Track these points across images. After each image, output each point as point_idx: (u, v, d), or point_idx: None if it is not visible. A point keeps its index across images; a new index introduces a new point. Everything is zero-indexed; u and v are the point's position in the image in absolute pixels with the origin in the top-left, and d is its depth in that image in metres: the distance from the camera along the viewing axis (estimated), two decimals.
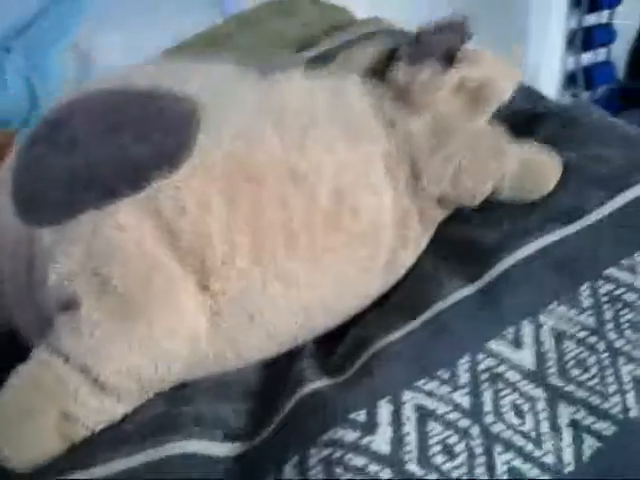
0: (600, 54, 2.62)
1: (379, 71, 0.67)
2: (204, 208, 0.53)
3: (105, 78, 0.62)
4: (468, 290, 0.59)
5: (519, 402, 0.52)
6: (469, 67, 0.64)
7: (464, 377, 0.53)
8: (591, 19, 2.57)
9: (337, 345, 0.59)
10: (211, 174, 0.54)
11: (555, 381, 0.53)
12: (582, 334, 0.56)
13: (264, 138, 0.57)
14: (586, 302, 0.58)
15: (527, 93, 0.82)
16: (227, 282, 0.53)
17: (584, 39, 2.51)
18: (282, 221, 0.55)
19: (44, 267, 0.52)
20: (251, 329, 0.56)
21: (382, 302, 0.62)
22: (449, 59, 0.64)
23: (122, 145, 0.54)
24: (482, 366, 0.54)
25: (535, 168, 0.65)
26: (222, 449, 0.51)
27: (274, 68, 0.64)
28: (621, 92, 2.59)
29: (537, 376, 0.54)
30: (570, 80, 2.47)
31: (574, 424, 0.51)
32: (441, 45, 0.65)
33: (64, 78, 0.84)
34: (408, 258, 0.63)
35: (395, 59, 0.66)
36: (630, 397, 0.53)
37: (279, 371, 0.57)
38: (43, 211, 0.54)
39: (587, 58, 2.61)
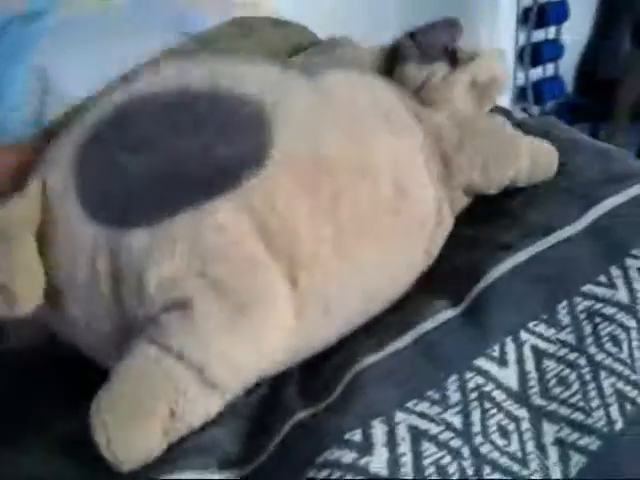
0: (549, 69, 2.68)
1: (382, 69, 0.71)
2: (291, 204, 0.54)
3: (153, 80, 0.61)
4: (452, 310, 0.59)
5: (504, 423, 0.52)
6: (477, 65, 0.69)
7: (454, 396, 0.52)
8: (539, 35, 2.63)
9: (322, 367, 0.58)
10: (293, 170, 0.55)
11: (538, 401, 0.53)
12: (562, 352, 0.56)
13: (329, 132, 0.59)
14: (565, 320, 0.58)
15: (494, 109, 0.83)
16: (313, 276, 0.55)
17: (533, 55, 2.57)
18: (354, 211, 0.57)
19: (138, 273, 0.51)
20: (324, 320, 0.57)
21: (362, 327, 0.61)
22: (451, 57, 0.69)
23: (206, 145, 0.54)
24: (471, 384, 0.53)
25: (543, 155, 0.70)
26: (220, 476, 0.49)
27: (314, 68, 0.67)
28: (570, 106, 2.65)
29: (521, 396, 0.53)
30: (520, 95, 2.51)
31: (559, 442, 0.51)
32: (439, 43, 0.69)
33: (23, 98, 0.82)
34: (439, 246, 0.65)
35: (401, 58, 0.69)
36: (614, 410, 0.53)
37: (266, 397, 0.56)
38: (131, 213, 0.53)
39: (536, 73, 2.67)
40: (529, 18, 2.49)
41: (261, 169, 0.54)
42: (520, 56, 2.50)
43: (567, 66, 2.73)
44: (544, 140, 0.71)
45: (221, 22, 1.06)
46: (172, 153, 0.54)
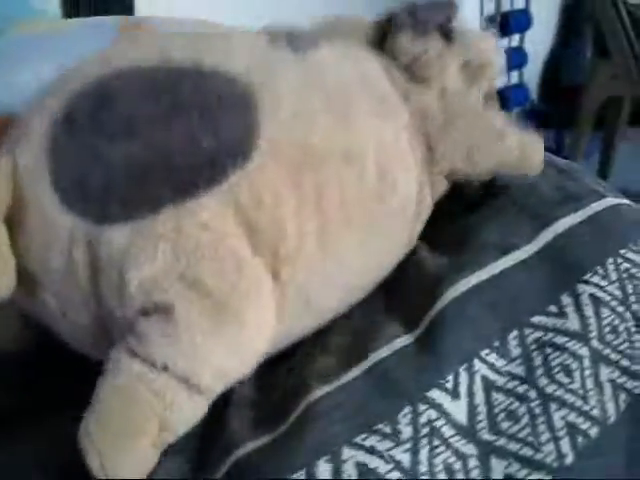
0: (513, 77, 2.69)
1: (375, 40, 0.68)
2: (277, 197, 0.52)
3: (133, 47, 0.59)
4: (407, 337, 0.57)
5: (451, 461, 0.49)
6: (472, 46, 0.67)
7: (406, 431, 0.50)
8: (503, 43, 2.63)
9: (277, 386, 0.56)
10: (279, 161, 0.53)
11: (486, 436, 0.51)
12: (511, 384, 0.54)
13: (317, 117, 0.56)
14: (515, 351, 0.56)
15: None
16: (295, 270, 0.53)
17: None
18: (339, 201, 0.55)
19: (118, 270, 0.49)
20: (305, 312, 0.56)
21: (316, 343, 0.59)
22: (445, 36, 0.66)
23: (190, 133, 0.51)
24: (423, 419, 0.51)
25: (527, 146, 0.68)
26: None
27: (303, 41, 0.63)
28: (534, 114, 2.66)
29: (469, 431, 0.51)
30: None
31: (508, 477, 0.49)
32: (434, 21, 0.67)
33: None
34: (419, 231, 0.64)
35: (395, 30, 0.66)
36: (564, 443, 0.51)
37: (214, 425, 0.53)
38: (110, 206, 0.49)
39: (501, 81, 2.67)
40: (492, 27, 2.50)
41: (248, 161, 0.52)
42: None
43: (531, 74, 2.74)
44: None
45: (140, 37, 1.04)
46: (154, 142, 0.51)
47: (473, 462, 0.50)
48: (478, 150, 0.65)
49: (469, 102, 0.68)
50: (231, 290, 0.50)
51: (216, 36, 0.64)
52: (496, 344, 0.56)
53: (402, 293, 0.61)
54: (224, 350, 0.49)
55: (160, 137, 0.51)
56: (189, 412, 0.50)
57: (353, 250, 0.57)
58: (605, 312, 0.59)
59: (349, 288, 0.59)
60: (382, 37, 0.69)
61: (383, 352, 0.55)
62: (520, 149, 0.67)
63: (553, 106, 2.59)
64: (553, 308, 0.59)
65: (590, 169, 2.48)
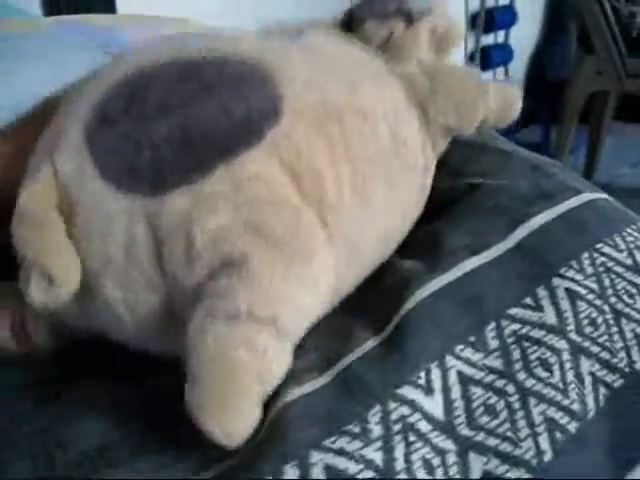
0: (499, 73, 2.69)
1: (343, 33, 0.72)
2: (313, 149, 0.56)
3: (149, 55, 0.61)
4: (374, 339, 0.56)
5: (429, 457, 0.49)
6: (434, 16, 0.71)
7: (376, 430, 0.49)
8: (488, 39, 2.63)
9: None
10: (306, 118, 0.57)
11: (464, 431, 0.51)
12: (489, 378, 0.54)
13: (328, 84, 0.60)
14: (492, 343, 0.55)
15: None
16: (339, 216, 0.56)
17: (482, 58, 2.57)
18: (363, 153, 0.59)
19: (184, 232, 0.51)
20: (352, 261, 0.59)
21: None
22: (406, 17, 0.70)
23: (222, 105, 0.55)
24: (394, 416, 0.50)
25: (508, 96, 0.72)
26: None
27: (291, 34, 0.68)
28: (521, 109, 2.66)
29: (447, 427, 0.51)
30: None
31: (487, 475, 0.49)
32: (391, 7, 0.71)
33: None
34: (428, 187, 0.67)
35: (359, 22, 0.71)
36: (543, 440, 0.51)
37: None
38: (164, 178, 0.52)
39: (486, 77, 2.67)
40: (477, 23, 2.50)
41: (279, 119, 0.55)
42: (470, 60, 2.50)
43: (517, 70, 2.74)
44: (462, 172, 0.73)
45: (152, 40, 1.03)
46: (192, 117, 0.54)
47: (452, 458, 0.49)
48: (466, 104, 0.69)
49: (446, 65, 0.72)
50: (294, 233, 0.52)
51: (220, 35, 0.69)
52: (472, 339, 0.56)
53: (372, 297, 0.61)
54: (300, 288, 0.52)
55: (195, 112, 0.55)
56: (281, 359, 0.51)
57: (380, 201, 0.60)
58: (582, 305, 0.59)
59: (382, 238, 0.62)
60: (349, 29, 0.72)
61: (352, 356, 0.55)
62: (501, 97, 0.71)
63: (539, 101, 2.58)
64: (529, 300, 0.58)
65: (577, 163, 2.49)
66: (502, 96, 0.72)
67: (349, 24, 0.72)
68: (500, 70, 2.70)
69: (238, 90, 0.57)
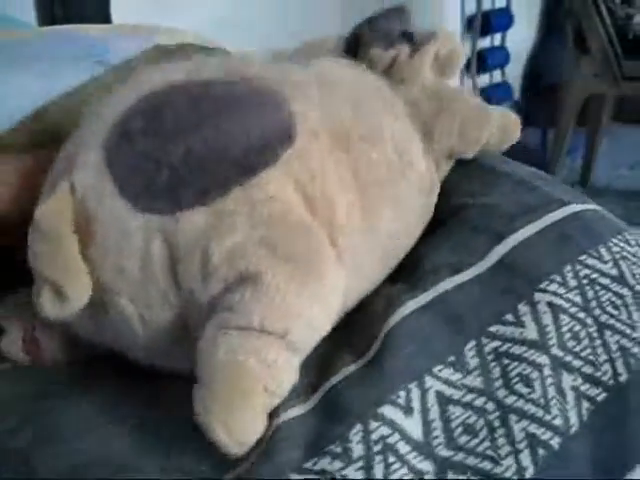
0: (496, 76, 2.69)
1: (347, 56, 0.74)
2: (325, 171, 0.57)
3: (164, 70, 0.63)
4: (357, 363, 0.56)
5: (407, 478, 0.48)
6: (438, 40, 0.73)
7: (357, 449, 0.49)
8: (485, 42, 2.63)
9: None
10: (318, 141, 0.58)
11: (443, 452, 0.50)
12: (469, 397, 0.53)
13: (339, 107, 0.62)
14: (472, 362, 0.55)
15: None
16: (348, 238, 0.57)
17: (479, 62, 2.57)
18: (371, 178, 0.61)
19: (200, 249, 0.52)
20: (357, 280, 0.60)
21: None
22: (409, 40, 0.73)
23: (241, 126, 0.56)
24: (375, 435, 0.50)
25: (508, 120, 0.75)
26: None
27: (298, 58, 0.70)
28: (518, 112, 2.66)
29: (425, 448, 0.50)
30: None
31: None
32: (395, 28, 0.73)
33: None
34: (433, 206, 0.69)
35: (363, 44, 0.73)
36: (524, 457, 0.50)
37: None
38: (181, 197, 0.53)
39: (484, 80, 2.67)
40: (473, 26, 2.50)
41: (293, 141, 0.56)
42: (467, 63, 2.50)
43: (513, 72, 2.74)
44: (450, 190, 0.74)
45: (142, 50, 1.03)
46: (209, 138, 0.55)
47: (430, 478, 0.49)
48: (469, 127, 0.71)
49: (448, 88, 0.74)
50: (308, 252, 0.54)
51: (233, 57, 0.73)
52: (451, 359, 0.55)
53: (355, 321, 0.61)
54: (312, 305, 0.52)
55: (211, 134, 0.55)
56: (289, 373, 0.51)
57: (388, 223, 0.62)
58: (564, 319, 0.58)
59: (386, 257, 0.64)
60: (354, 51, 0.74)
61: (335, 379, 0.55)
62: (502, 121, 0.74)
63: (536, 104, 2.59)
64: (510, 317, 0.58)
65: (574, 166, 2.48)
66: (503, 120, 0.74)
67: (353, 47, 0.74)
68: (497, 73, 2.70)
69: (253, 111, 0.58)
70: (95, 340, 0.59)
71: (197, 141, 0.55)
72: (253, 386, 0.49)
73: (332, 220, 0.57)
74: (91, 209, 0.54)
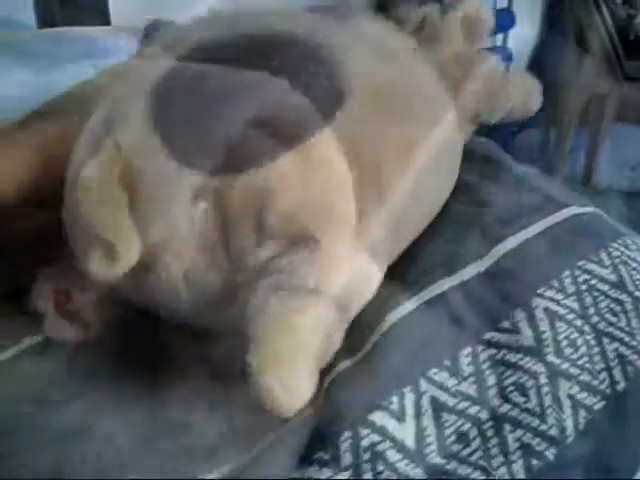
0: None
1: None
2: (375, 132, 0.56)
3: (205, 27, 0.61)
4: (348, 361, 0.55)
5: None
6: (464, 3, 0.73)
7: (345, 457, 0.48)
8: (486, 42, 2.62)
9: None
10: (367, 101, 0.57)
11: (436, 460, 0.49)
12: (463, 405, 0.52)
13: (380, 66, 0.61)
14: (467, 370, 0.54)
15: None
16: (392, 203, 0.56)
17: None
18: (409, 134, 0.59)
19: (252, 212, 0.50)
20: (394, 245, 0.59)
21: None
22: (439, 1, 0.73)
23: (294, 87, 0.54)
24: (364, 443, 0.49)
25: (528, 85, 0.75)
26: None
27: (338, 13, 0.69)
28: None
29: (417, 455, 0.49)
30: None
31: None
32: None
33: None
34: (458, 166, 0.70)
35: (393, 4, 0.75)
36: (517, 467, 0.49)
37: None
38: (234, 157, 0.50)
39: None
40: None
41: (345, 101, 0.55)
42: None
43: None
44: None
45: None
46: (263, 98, 0.53)
47: None
48: (495, 91, 0.70)
49: (476, 53, 0.74)
50: (353, 217, 0.52)
51: (275, 13, 0.69)
52: (447, 363, 0.54)
53: (349, 327, 0.60)
54: (362, 272, 0.52)
55: (265, 93, 0.54)
56: (337, 335, 0.50)
57: (427, 184, 0.61)
58: (561, 326, 0.57)
59: (422, 219, 0.63)
60: (384, 11, 0.76)
61: (326, 381, 0.53)
62: (523, 87, 0.74)
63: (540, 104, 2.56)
64: (506, 323, 0.57)
65: (576, 166, 2.47)
66: (523, 85, 0.74)
67: (383, 5, 0.74)
68: None
69: (305, 71, 0.56)
70: (134, 299, 0.57)
71: (250, 102, 0.53)
72: (310, 344, 0.48)
73: (378, 183, 0.55)
74: (137, 167, 0.51)
